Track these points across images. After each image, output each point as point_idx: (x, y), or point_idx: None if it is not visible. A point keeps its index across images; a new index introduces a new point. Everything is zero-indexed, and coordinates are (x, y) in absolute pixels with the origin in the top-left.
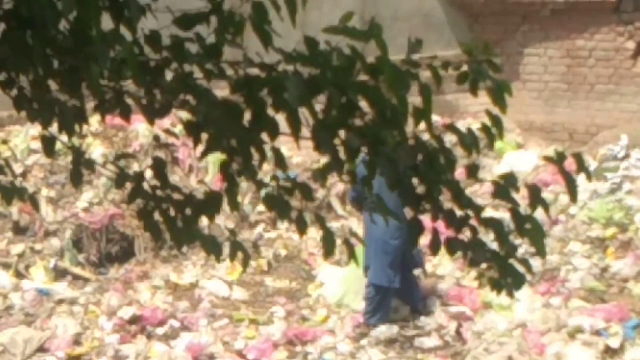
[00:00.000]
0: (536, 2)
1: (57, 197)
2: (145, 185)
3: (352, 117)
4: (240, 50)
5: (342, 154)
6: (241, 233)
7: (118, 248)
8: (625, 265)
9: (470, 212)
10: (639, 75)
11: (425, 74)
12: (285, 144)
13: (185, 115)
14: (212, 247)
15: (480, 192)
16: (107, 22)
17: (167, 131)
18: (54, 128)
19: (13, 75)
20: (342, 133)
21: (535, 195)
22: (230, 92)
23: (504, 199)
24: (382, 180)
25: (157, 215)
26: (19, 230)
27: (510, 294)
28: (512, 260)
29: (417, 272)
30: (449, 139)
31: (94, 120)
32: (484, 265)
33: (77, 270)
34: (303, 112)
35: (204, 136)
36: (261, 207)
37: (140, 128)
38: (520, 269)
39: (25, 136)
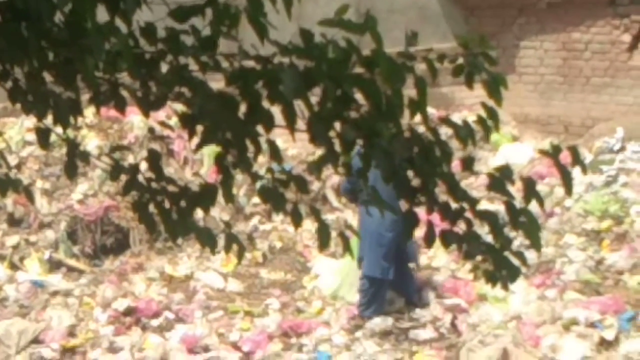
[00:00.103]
0: None
1: (52, 189)
2: (140, 178)
3: (347, 109)
4: (236, 42)
5: (337, 147)
6: (236, 225)
7: (113, 240)
8: (621, 257)
9: (465, 205)
10: (634, 68)
11: (420, 67)
12: (280, 137)
13: (180, 107)
14: (207, 239)
15: (475, 184)
16: (102, 15)
17: (162, 123)
18: (48, 120)
19: (8, 68)
20: (337, 125)
21: (529, 188)
22: (226, 84)
23: (499, 192)
24: (378, 172)
25: (152, 208)
26: (14, 222)
27: (505, 287)
28: (507, 253)
29: (411, 264)
30: (445, 131)
31: (89, 112)
32: (478, 258)
33: (72, 262)
34: (298, 105)
35: (199, 128)
36: (256, 199)
37: (135, 120)
38: (515, 261)
39: (20, 128)
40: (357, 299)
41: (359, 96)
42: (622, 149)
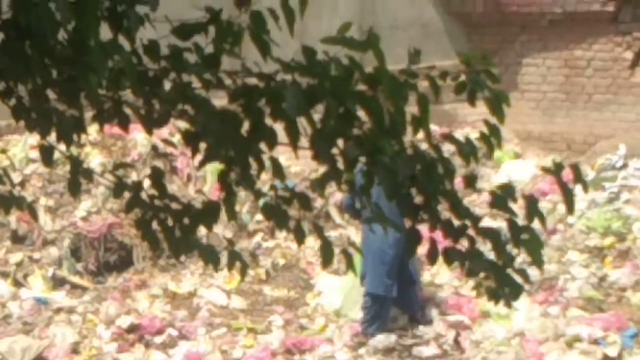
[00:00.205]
0: (534, 13)
1: (55, 206)
2: (144, 195)
3: (350, 127)
4: (239, 60)
5: (340, 164)
6: (239, 242)
7: (116, 257)
8: (623, 274)
9: (467, 222)
10: (637, 85)
11: (423, 84)
12: (283, 154)
13: (183, 125)
14: (209, 256)
15: (478, 201)
16: (105, 32)
17: (166, 141)
18: (52, 137)
19: (12, 85)
20: (340, 143)
21: (532, 206)
22: (229, 101)
23: (501, 210)
24: (381, 189)
25: (155, 225)
26: (18, 239)
27: (508, 304)
28: (509, 271)
29: (414, 281)
30: (447, 148)
31: (93, 129)
32: (481, 275)
33: (76, 279)
34: (301, 122)
35: (203, 146)
36: (259, 217)
37: (138, 137)
38: (518, 279)
39: (23, 145)
40: (360, 316)
41: (361, 113)
42: (625, 165)
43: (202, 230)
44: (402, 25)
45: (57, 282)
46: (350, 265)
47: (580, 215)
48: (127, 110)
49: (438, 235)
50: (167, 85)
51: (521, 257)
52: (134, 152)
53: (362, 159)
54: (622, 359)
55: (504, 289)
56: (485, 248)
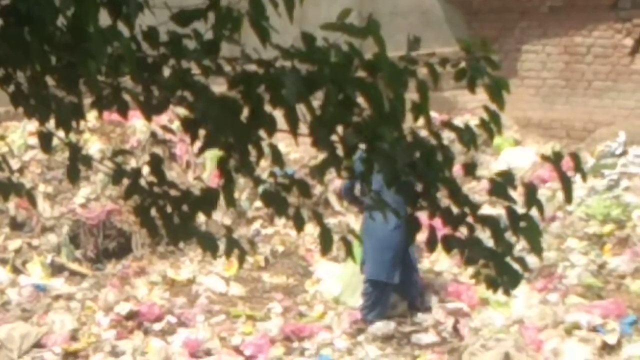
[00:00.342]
0: None
1: (54, 193)
2: (142, 182)
3: (349, 113)
4: (238, 46)
5: (339, 151)
6: (238, 229)
7: (115, 244)
8: (623, 261)
9: (467, 210)
10: (636, 72)
11: (423, 71)
12: (282, 141)
13: (182, 111)
14: (208, 243)
15: (477, 188)
16: (104, 19)
17: (165, 127)
18: (51, 124)
19: (10, 71)
20: (339, 129)
21: (531, 194)
22: (228, 88)
23: (500, 197)
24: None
25: (154, 212)
26: (16, 225)
27: (507, 292)
28: (508, 259)
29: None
30: (447, 135)
31: (92, 116)
32: (480, 263)
33: (74, 266)
34: (301, 109)
35: (202, 132)
36: (259, 204)
37: (137, 124)
38: (517, 267)
39: (22, 132)
40: (359, 303)
41: (361, 100)
42: (624, 153)
43: (201, 217)
44: (402, 12)
45: (56, 269)
46: (349, 252)
47: (580, 202)
48: (126, 97)
49: (437, 222)
50: (167, 72)
51: (520, 245)
52: (133, 138)
53: (362, 146)
54: (621, 347)
55: (503, 277)
56: (484, 236)
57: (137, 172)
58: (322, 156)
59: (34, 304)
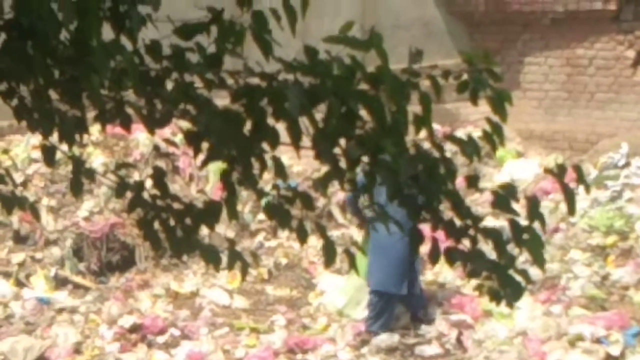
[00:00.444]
0: (536, 11)
1: (57, 206)
2: (146, 195)
3: (352, 126)
4: (241, 59)
5: (342, 163)
6: (242, 242)
7: (119, 257)
8: (626, 273)
9: (469, 222)
10: (639, 84)
11: (425, 83)
12: (285, 153)
13: (185, 124)
14: (211, 256)
15: (480, 200)
16: (107, 33)
17: (168, 141)
18: (54, 138)
19: (14, 85)
20: (342, 142)
21: (533, 207)
22: (231, 101)
23: (503, 210)
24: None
25: (157, 225)
26: (20, 239)
27: (510, 305)
28: (511, 271)
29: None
30: (450, 147)
31: (95, 129)
32: (483, 275)
33: (78, 279)
34: (303, 122)
35: (205, 145)
36: (262, 216)
37: (140, 137)
38: (520, 279)
39: (25, 145)
40: (363, 315)
41: (363, 113)
42: (627, 164)
43: (204, 230)
44: (404, 25)
45: (60, 282)
46: (352, 264)
47: (583, 214)
48: (129, 110)
49: (440, 235)
50: (169, 85)
51: (523, 257)
52: (136, 152)
53: (364, 159)
54: (624, 358)
55: (506, 289)
56: (487, 248)
57: (140, 185)
58: (325, 169)
59: (38, 317)
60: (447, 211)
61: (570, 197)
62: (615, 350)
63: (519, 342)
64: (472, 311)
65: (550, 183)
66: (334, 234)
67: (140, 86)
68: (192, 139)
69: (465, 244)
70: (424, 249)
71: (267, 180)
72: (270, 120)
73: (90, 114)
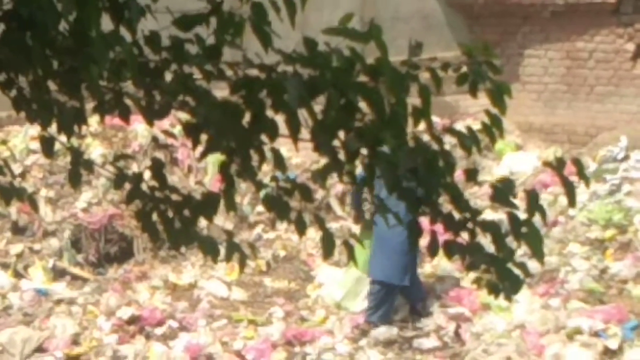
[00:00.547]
0: (536, 4)
1: (56, 198)
2: (144, 186)
3: (351, 118)
4: (240, 51)
5: (341, 155)
6: (240, 234)
7: (117, 248)
8: (625, 266)
9: (468, 215)
10: (638, 77)
11: (425, 75)
12: (284, 145)
13: (184, 116)
14: (209, 248)
15: (479, 193)
16: (107, 23)
17: (166, 132)
18: (53, 129)
19: (12, 76)
20: (341, 134)
21: (532, 201)
22: (230, 93)
23: (502, 203)
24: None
25: (155, 216)
26: (18, 230)
27: (508, 298)
28: (509, 264)
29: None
30: (449, 140)
31: (93, 120)
32: (482, 268)
33: (76, 270)
34: (302, 113)
35: (204, 137)
36: (260, 208)
37: (139, 129)
38: (518, 272)
39: (24, 136)
40: (360, 308)
41: (363, 105)
42: (626, 157)
43: (202, 222)
44: (404, 17)
45: (58, 274)
46: (351, 256)
47: (582, 207)
48: (128, 102)
49: (439, 227)
50: (168, 77)
51: (522, 250)
52: (135, 143)
53: (364, 151)
54: (622, 352)
55: (504, 282)
56: (486, 241)
57: (138, 177)
58: (324, 161)
59: (36, 308)
60: (446, 204)
61: (570, 189)
62: (613, 344)
63: (517, 335)
64: (470, 304)
65: (549, 176)
66: (332, 226)
67: (139, 77)
68: (191, 131)
69: (464, 237)
70: (423, 241)
71: (266, 172)
72: (269, 112)
73: (89, 105)
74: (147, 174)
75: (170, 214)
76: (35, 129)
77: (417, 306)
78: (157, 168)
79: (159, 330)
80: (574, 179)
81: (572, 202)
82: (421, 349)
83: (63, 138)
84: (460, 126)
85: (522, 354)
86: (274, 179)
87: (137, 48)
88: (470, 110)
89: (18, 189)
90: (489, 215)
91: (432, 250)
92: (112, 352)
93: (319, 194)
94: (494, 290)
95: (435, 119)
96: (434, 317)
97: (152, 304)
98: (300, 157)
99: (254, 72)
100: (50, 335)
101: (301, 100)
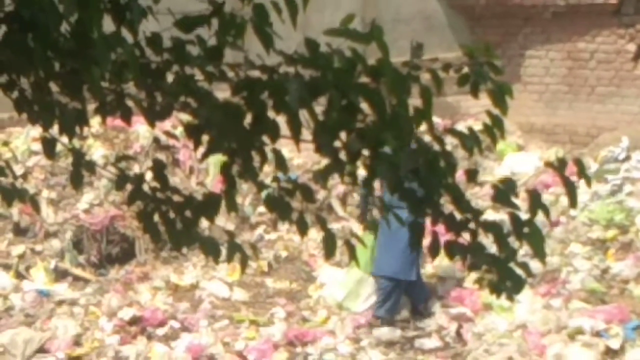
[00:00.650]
0: (538, 5)
1: (57, 199)
2: (146, 187)
3: (353, 119)
4: (241, 52)
5: (343, 156)
6: (242, 234)
7: (118, 249)
8: (626, 266)
9: (470, 216)
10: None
11: (426, 76)
12: (286, 146)
13: (186, 117)
14: (210, 249)
15: (481, 193)
16: (108, 25)
17: (168, 133)
18: (54, 130)
19: (14, 78)
20: (343, 135)
21: (535, 201)
22: (231, 94)
23: (503, 204)
24: None
25: (157, 217)
26: (20, 231)
27: (510, 298)
28: (511, 264)
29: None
30: (450, 140)
31: (95, 122)
32: (483, 268)
33: (78, 271)
34: (304, 114)
35: (205, 138)
36: (262, 209)
37: (140, 130)
38: (520, 272)
39: (26, 138)
40: (362, 309)
41: (364, 106)
42: (627, 158)
43: (204, 223)
44: (405, 18)
45: (60, 275)
46: (353, 256)
47: (583, 207)
48: (130, 103)
49: (440, 228)
50: (170, 78)
51: (524, 250)
52: (136, 144)
53: (365, 152)
54: (624, 351)
55: (506, 282)
56: (488, 241)
57: (140, 178)
58: (325, 161)
59: (38, 309)
60: (447, 205)
61: (571, 189)
62: (615, 344)
63: (519, 335)
64: (472, 304)
65: (550, 176)
66: (334, 226)
67: (141, 79)
68: (193, 132)
69: (466, 237)
70: (425, 242)
71: (267, 173)
72: (271, 113)
73: (91, 107)
74: (148, 175)
75: (172, 214)
76: (36, 131)
77: (419, 306)
78: (159, 169)
79: (160, 331)
80: (575, 179)
81: (573, 203)
82: (423, 349)
83: (65, 139)
84: (461, 127)
85: (523, 354)
86: (276, 179)
87: (139, 49)
88: (472, 111)
89: (20, 190)
90: (490, 215)
91: (434, 250)
92: (114, 353)
93: (321, 195)
94: (495, 290)
95: (436, 119)
96: (435, 317)
97: (153, 305)
98: (302, 158)
99: (255, 73)
100: (52, 336)
101: (302, 101)
